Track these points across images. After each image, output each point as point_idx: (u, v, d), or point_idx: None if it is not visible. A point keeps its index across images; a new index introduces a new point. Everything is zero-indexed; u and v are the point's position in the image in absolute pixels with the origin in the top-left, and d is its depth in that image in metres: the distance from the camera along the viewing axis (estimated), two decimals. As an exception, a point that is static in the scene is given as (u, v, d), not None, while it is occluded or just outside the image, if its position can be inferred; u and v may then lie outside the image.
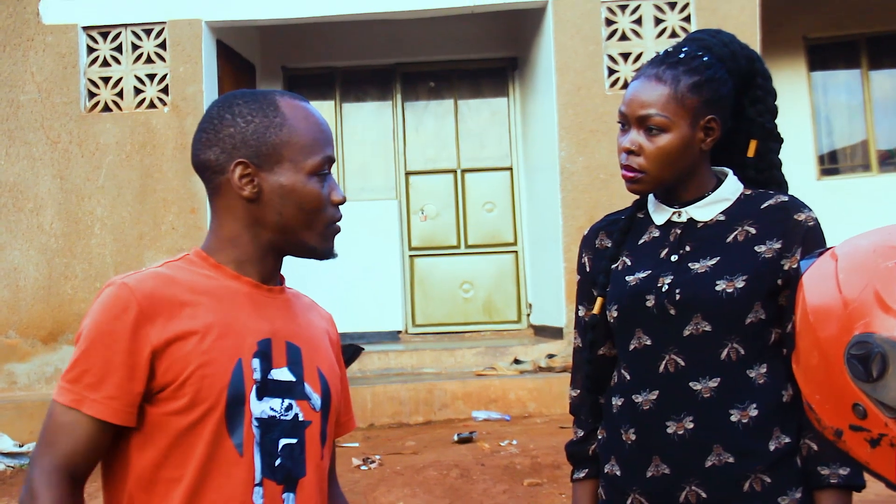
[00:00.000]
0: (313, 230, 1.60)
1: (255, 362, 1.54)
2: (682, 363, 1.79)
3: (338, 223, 1.64)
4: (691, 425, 1.78)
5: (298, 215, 1.58)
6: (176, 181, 7.61)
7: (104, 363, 1.46)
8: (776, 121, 1.94)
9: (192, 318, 1.51)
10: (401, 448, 6.09)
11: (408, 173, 9.73)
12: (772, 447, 1.77)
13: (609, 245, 1.97)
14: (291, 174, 1.57)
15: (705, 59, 1.83)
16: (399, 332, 9.47)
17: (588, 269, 2.01)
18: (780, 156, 1.96)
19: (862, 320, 1.10)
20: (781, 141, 1.95)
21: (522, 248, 9.57)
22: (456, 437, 6.17)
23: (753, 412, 1.77)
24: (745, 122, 1.91)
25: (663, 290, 1.81)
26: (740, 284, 1.77)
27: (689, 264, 1.82)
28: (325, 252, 1.63)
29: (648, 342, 1.83)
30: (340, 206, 1.64)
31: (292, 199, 1.57)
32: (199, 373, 1.48)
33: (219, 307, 1.55)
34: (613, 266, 1.93)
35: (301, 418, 1.58)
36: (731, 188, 1.88)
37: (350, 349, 7.53)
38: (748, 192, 1.88)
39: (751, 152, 1.92)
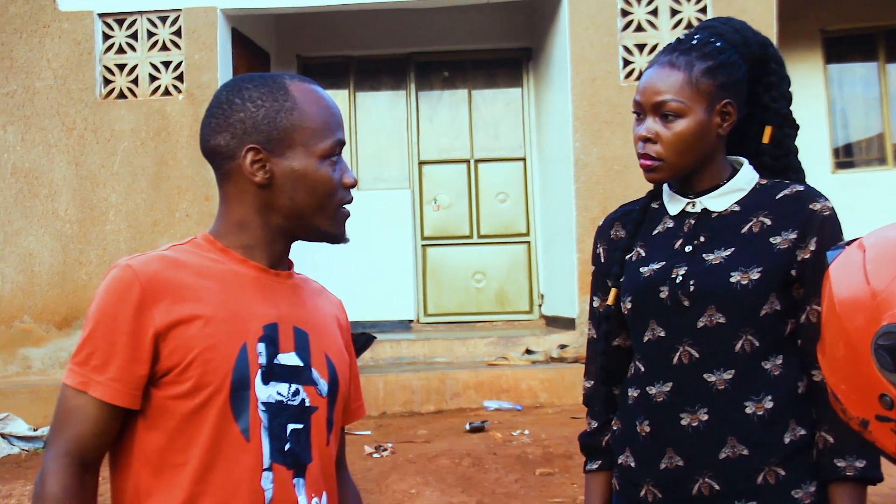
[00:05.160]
0: (325, 214, 1.58)
1: (261, 346, 1.52)
2: (697, 355, 1.78)
3: (348, 206, 1.62)
4: (706, 417, 1.77)
5: (310, 200, 1.56)
6: (190, 168, 7.63)
7: (108, 345, 1.46)
8: (791, 107, 1.93)
9: (196, 302, 1.50)
10: (413, 436, 6.10)
11: (421, 163, 9.73)
12: (787, 440, 1.76)
13: (623, 235, 1.96)
14: (303, 158, 1.55)
15: (718, 44, 1.82)
16: (411, 321, 9.49)
17: (602, 260, 2.00)
18: (795, 142, 1.95)
19: (890, 311, 1.09)
20: (797, 127, 1.93)
21: (535, 239, 9.56)
22: (468, 427, 6.18)
23: (769, 404, 1.76)
24: (760, 109, 1.90)
25: (677, 281, 1.80)
26: (755, 276, 1.75)
27: (704, 255, 1.81)
28: (336, 236, 1.62)
29: (662, 333, 1.82)
30: (352, 190, 1.62)
31: (304, 184, 1.56)
32: (202, 356, 1.47)
33: (225, 291, 1.53)
34: (627, 257, 1.93)
35: (307, 403, 1.56)
36: (746, 178, 1.87)
37: (362, 338, 7.56)
38: (763, 181, 1.87)
39: (766, 139, 1.90)
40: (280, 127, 1.55)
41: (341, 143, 1.60)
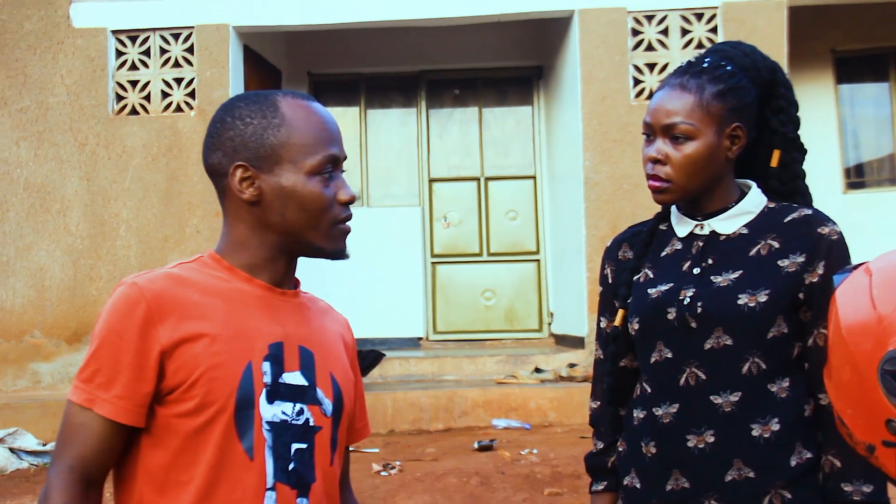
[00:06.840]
0: (318, 230, 1.57)
1: (266, 366, 1.52)
2: (703, 377, 1.79)
3: (346, 222, 1.60)
4: (712, 439, 1.77)
5: (301, 216, 1.56)
6: (201, 185, 7.65)
7: (114, 362, 1.46)
8: (798, 131, 1.94)
9: (202, 320, 1.50)
10: (421, 455, 6.09)
11: (431, 180, 9.74)
12: (793, 462, 1.76)
13: (631, 257, 1.97)
14: (291, 175, 1.55)
15: (728, 68, 1.84)
16: (420, 338, 9.48)
17: (610, 281, 2.01)
18: (803, 166, 1.95)
19: None
20: (805, 151, 1.95)
21: (545, 257, 9.55)
22: (476, 445, 6.17)
23: (775, 427, 1.76)
24: (768, 133, 1.91)
25: (685, 302, 1.81)
26: (763, 299, 1.76)
27: (712, 277, 1.82)
28: (333, 252, 1.61)
29: (669, 355, 1.83)
30: (351, 205, 1.60)
31: (293, 201, 1.55)
32: (208, 375, 1.47)
33: (230, 310, 1.53)
34: (635, 278, 1.93)
35: (312, 423, 1.56)
36: (755, 201, 1.87)
37: (371, 355, 7.56)
38: (772, 205, 1.88)
39: (774, 162, 1.91)
40: (267, 144, 1.55)
41: (334, 159, 1.58)
